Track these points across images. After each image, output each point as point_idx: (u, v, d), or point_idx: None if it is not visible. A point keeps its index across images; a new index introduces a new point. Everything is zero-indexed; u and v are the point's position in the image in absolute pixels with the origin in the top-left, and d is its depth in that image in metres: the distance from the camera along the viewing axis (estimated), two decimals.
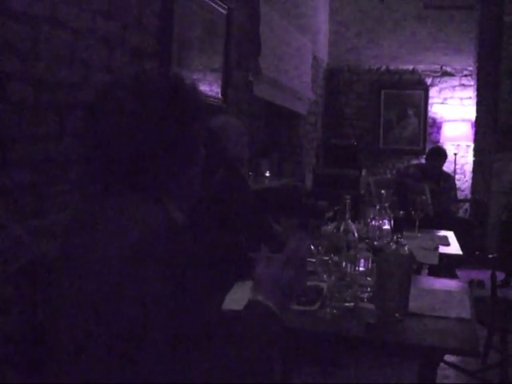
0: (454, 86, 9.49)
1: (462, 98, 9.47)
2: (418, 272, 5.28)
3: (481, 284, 7.05)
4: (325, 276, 2.28)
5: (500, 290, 4.72)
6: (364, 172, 8.29)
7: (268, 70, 6.02)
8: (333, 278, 2.26)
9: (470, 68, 9.37)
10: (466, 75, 9.45)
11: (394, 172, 9.33)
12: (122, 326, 1.29)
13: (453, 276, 6.99)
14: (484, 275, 5.41)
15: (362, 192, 7.93)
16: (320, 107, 9.24)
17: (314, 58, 8.43)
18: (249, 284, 1.60)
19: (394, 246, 2.17)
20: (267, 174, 6.61)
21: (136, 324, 1.28)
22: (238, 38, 5.48)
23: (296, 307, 2.32)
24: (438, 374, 4.30)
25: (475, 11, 9.11)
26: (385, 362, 4.36)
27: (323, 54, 9.40)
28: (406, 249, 2.19)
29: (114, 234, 1.38)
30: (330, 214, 5.75)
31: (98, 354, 1.33)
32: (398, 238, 2.19)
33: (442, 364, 4.17)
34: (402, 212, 3.72)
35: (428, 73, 9.56)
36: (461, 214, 8.92)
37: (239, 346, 1.41)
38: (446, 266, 6.68)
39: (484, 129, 9.02)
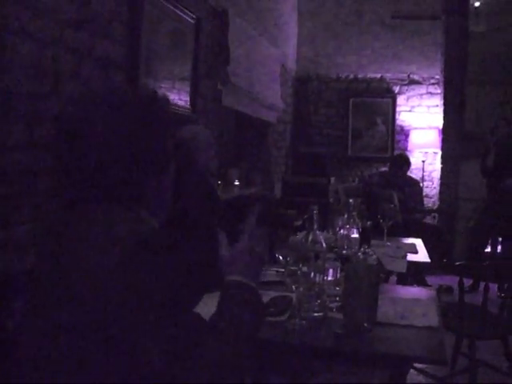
0: (422, 94, 9.58)
1: (429, 106, 9.56)
2: (387, 279, 5.32)
3: (449, 290, 7.12)
4: (293, 287, 2.29)
5: (468, 296, 4.77)
6: (333, 180, 8.32)
7: (237, 79, 6.02)
8: (301, 288, 2.26)
9: (437, 76, 9.47)
10: (433, 83, 9.55)
11: (357, 180, 9.41)
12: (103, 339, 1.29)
13: (422, 282, 7.05)
14: (452, 281, 5.46)
15: (331, 200, 7.97)
16: (289, 116, 9.26)
17: (283, 66, 8.45)
18: (217, 296, 1.62)
19: (361, 256, 2.18)
20: (236, 183, 6.61)
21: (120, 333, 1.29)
22: (207, 47, 5.48)
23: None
24: (407, 380, 4.35)
25: (441, 21, 9.22)
26: (355, 369, 4.38)
27: (292, 63, 9.43)
28: (374, 258, 2.20)
29: (92, 247, 1.38)
30: (299, 222, 5.77)
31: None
32: (365, 248, 2.20)
33: (411, 370, 4.21)
34: (369, 222, 3.74)
35: (396, 81, 9.64)
36: (429, 220, 8.99)
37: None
38: (416, 273, 6.74)
39: (451, 136, 9.14)
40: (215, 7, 5.61)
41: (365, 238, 2.24)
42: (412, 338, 2.26)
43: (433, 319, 2.43)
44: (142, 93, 1.62)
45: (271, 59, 7.55)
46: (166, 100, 1.65)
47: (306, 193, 7.66)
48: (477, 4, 9.48)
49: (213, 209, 3.39)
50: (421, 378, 4.56)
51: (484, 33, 9.83)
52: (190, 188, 3.25)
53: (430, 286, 7.07)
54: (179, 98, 4.93)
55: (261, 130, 7.78)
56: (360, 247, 2.23)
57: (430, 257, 4.53)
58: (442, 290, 7.16)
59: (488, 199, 7.65)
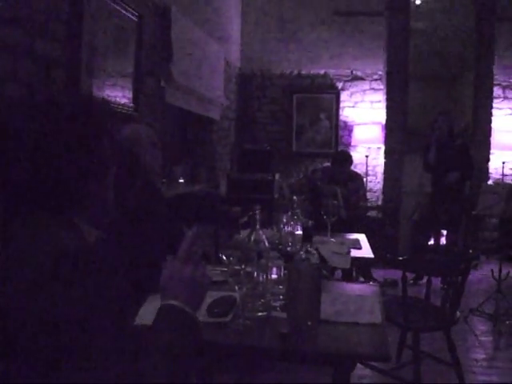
0: (365, 90, 9.68)
1: (372, 102, 9.66)
2: (332, 274, 5.36)
3: (394, 283, 7.21)
4: (236, 287, 2.28)
5: (412, 289, 4.86)
6: (277, 176, 8.35)
7: (180, 76, 5.99)
8: (245, 288, 2.26)
9: (380, 72, 9.57)
10: (375, 79, 9.65)
11: (301, 176, 9.46)
12: (34, 348, 1.26)
13: (368, 276, 7.13)
14: (397, 274, 5.53)
15: (276, 196, 7.99)
16: (233, 112, 9.25)
17: (227, 63, 8.44)
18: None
19: (303, 255, 2.19)
20: (181, 181, 6.59)
21: (49, 344, 1.26)
22: (150, 44, 5.43)
23: (208, 319, 2.31)
24: (355, 374, 4.41)
25: (384, 18, 9.33)
26: (301, 368, 4.41)
27: (235, 59, 9.42)
28: (316, 257, 2.21)
29: (25, 259, 1.35)
30: (244, 219, 5.78)
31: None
32: (307, 247, 2.20)
33: (358, 364, 4.25)
34: (310, 222, 3.77)
35: (339, 77, 9.71)
36: (373, 214, 9.08)
37: (156, 356, 1.41)
38: (361, 267, 6.82)
39: (394, 131, 9.26)
40: (158, 4, 5.56)
41: (306, 236, 2.24)
42: (356, 335, 2.27)
43: (376, 316, 2.45)
44: (78, 96, 1.59)
45: (215, 56, 7.53)
46: (104, 103, 1.62)
47: (251, 189, 7.67)
48: (418, 2, 9.61)
49: (157, 211, 3.37)
50: (367, 372, 4.61)
51: (425, 29, 9.98)
52: (133, 189, 3.22)
53: (375, 279, 7.17)
54: (123, 95, 4.89)
55: (205, 127, 7.76)
56: (302, 246, 2.23)
57: (374, 251, 4.57)
58: (386, 284, 7.26)
59: (431, 193, 7.76)
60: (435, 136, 7.55)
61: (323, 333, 2.25)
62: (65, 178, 1.46)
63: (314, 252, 2.20)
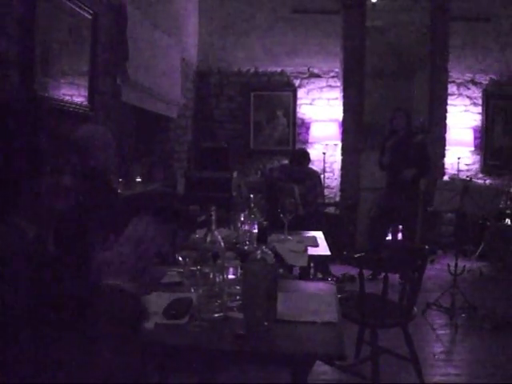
0: (322, 88, 9.73)
1: (329, 99, 9.72)
2: (291, 271, 5.37)
3: (352, 278, 7.26)
4: (192, 289, 2.27)
5: (370, 284, 4.89)
6: (235, 174, 8.34)
7: (136, 74, 5.95)
8: (201, 290, 2.25)
9: (337, 70, 9.64)
10: (332, 77, 9.71)
11: (259, 173, 9.48)
12: None
13: (326, 273, 7.17)
14: (356, 270, 5.56)
15: (234, 194, 7.99)
16: (190, 110, 9.22)
17: (184, 60, 8.40)
18: None
19: (259, 255, 2.19)
20: (138, 180, 6.55)
21: None
22: (106, 43, 5.38)
23: (165, 321, 2.29)
24: (315, 370, 4.43)
25: (340, 16, 9.38)
26: (258, 369, 4.41)
27: (193, 57, 9.38)
28: (272, 257, 2.21)
29: None
30: (202, 218, 5.76)
31: None
32: (262, 248, 2.20)
33: (318, 361, 4.27)
34: (265, 222, 3.77)
35: (296, 74, 9.75)
36: (331, 211, 9.12)
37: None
38: (320, 264, 6.84)
39: (351, 128, 9.33)
40: (113, 2, 5.52)
41: (261, 237, 2.24)
42: (312, 334, 2.27)
43: (332, 314, 2.46)
44: (14, 96, 1.58)
45: (171, 53, 7.49)
46: (44, 101, 1.62)
47: (209, 188, 7.66)
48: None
49: (111, 210, 3.34)
50: (327, 368, 4.64)
51: (381, 27, 10.05)
52: (88, 190, 3.19)
53: (334, 275, 7.21)
54: (79, 93, 4.84)
55: (162, 126, 7.72)
56: (257, 246, 2.23)
57: (332, 248, 4.59)
58: (345, 279, 7.31)
59: (387, 189, 7.82)
60: (392, 134, 7.61)
61: (280, 333, 2.25)
62: (2, 178, 1.45)
63: (270, 252, 2.20)
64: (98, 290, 1.55)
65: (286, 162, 8.87)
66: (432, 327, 5.87)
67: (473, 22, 9.78)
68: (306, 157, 7.94)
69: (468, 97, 10.01)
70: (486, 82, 10.01)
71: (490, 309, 6.14)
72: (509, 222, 8.72)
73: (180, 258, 2.45)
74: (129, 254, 1.63)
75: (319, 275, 7.19)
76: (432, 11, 9.51)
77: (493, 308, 6.17)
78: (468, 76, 9.97)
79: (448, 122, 9.63)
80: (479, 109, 10.03)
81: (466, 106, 10.00)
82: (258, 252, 2.19)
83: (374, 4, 9.68)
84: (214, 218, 2.42)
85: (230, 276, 2.58)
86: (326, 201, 9.45)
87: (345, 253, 6.80)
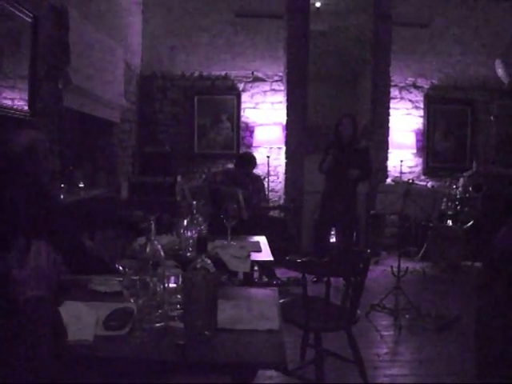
0: (266, 91, 9.77)
1: (273, 103, 9.77)
2: (235, 276, 5.37)
3: (298, 281, 7.26)
4: (132, 300, 2.26)
5: (314, 287, 4.91)
6: (179, 178, 8.31)
7: (78, 79, 5.89)
8: (141, 300, 2.23)
9: (280, 73, 9.70)
10: (276, 80, 9.77)
11: (204, 177, 9.49)
12: None
13: (271, 276, 7.18)
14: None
15: (179, 199, 7.95)
16: (134, 114, 9.15)
17: (127, 64, 8.34)
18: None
19: (199, 264, 2.18)
20: (81, 185, 6.47)
21: None
22: (47, 46, 5.31)
23: (104, 333, 2.26)
24: (260, 374, 4.43)
25: (284, 20, 9.43)
26: (201, 379, 4.39)
27: (136, 61, 9.32)
28: (211, 266, 2.20)
29: None
30: (146, 224, 5.71)
31: None
32: (202, 257, 2.19)
33: None
34: (204, 231, 3.77)
35: (240, 78, 9.77)
36: (276, 214, 9.16)
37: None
38: (264, 268, 6.86)
39: (294, 132, 9.38)
40: (55, 6, 5.45)
41: (200, 247, 2.23)
42: (253, 343, 2.26)
43: (274, 322, 2.45)
44: None
45: (114, 57, 7.43)
46: None
47: (152, 192, 7.62)
48: (318, 4, 9.75)
49: (50, 219, 3.28)
50: (273, 373, 4.65)
51: (325, 31, 10.14)
52: (25, 199, 3.13)
53: (279, 278, 7.23)
54: (20, 97, 4.78)
55: (105, 130, 7.64)
56: (196, 256, 2.22)
57: (277, 251, 4.60)
58: (290, 282, 7.32)
59: (329, 193, 7.86)
60: (337, 139, 7.66)
61: (221, 342, 2.24)
62: None
63: (209, 262, 2.19)
64: (18, 304, 1.55)
65: (230, 166, 8.88)
66: (376, 328, 5.94)
67: (414, 28, 9.98)
68: (252, 161, 7.96)
69: (410, 100, 10.18)
70: (427, 86, 10.20)
71: (432, 309, 6.23)
72: (450, 223, 8.88)
73: (120, 268, 2.43)
74: (44, 265, 1.63)
75: (265, 278, 7.21)
76: (375, 16, 9.63)
77: (436, 308, 6.27)
78: (410, 80, 10.15)
79: (390, 125, 9.77)
80: (421, 112, 10.23)
81: (407, 109, 10.17)
82: (198, 261, 2.18)
83: (317, 8, 9.78)
84: (153, 226, 2.41)
85: (171, 285, 2.55)
86: (271, 204, 9.50)
87: (287, 258, 6.82)
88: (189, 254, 3.70)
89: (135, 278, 2.29)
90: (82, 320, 2.25)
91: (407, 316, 6.21)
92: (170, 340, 2.22)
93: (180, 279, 2.52)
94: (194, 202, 4.08)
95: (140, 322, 2.27)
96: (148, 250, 2.32)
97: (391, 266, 6.73)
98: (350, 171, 7.42)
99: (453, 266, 8.64)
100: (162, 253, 2.34)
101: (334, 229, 8.38)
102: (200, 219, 4.01)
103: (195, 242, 3.79)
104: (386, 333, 5.85)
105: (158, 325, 2.31)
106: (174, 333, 2.28)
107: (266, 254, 4.46)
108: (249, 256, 4.20)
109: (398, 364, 5.08)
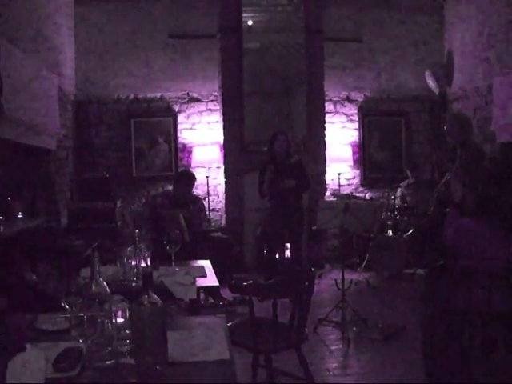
0: (202, 111, 9.82)
1: (209, 122, 9.82)
2: (181, 300, 5.35)
3: (244, 301, 7.19)
4: (80, 340, 2.23)
5: (263, 305, 4.89)
6: (119, 203, 8.24)
7: (11, 108, 5.80)
8: (89, 339, 2.21)
9: (216, 93, 9.75)
10: (212, 100, 9.83)
11: (144, 201, 9.45)
12: None
13: (217, 297, 7.15)
14: None
15: (119, 224, 7.88)
16: (70, 141, 9.02)
17: (61, 90, 8.24)
18: None
19: (145, 300, 2.16)
20: (20, 216, 6.35)
21: None
22: None
23: (55, 375, 2.19)
24: None
25: (217, 39, 9.48)
26: None
27: (70, 86, 9.22)
28: (160, 302, 2.19)
29: None
30: (88, 252, 5.66)
31: None
32: (148, 294, 2.18)
33: None
34: (150, 268, 3.74)
35: (175, 99, 9.79)
36: (218, 234, 9.15)
37: None
38: (210, 290, 6.83)
39: (232, 150, 9.41)
40: None
41: (146, 282, 2.21)
42: (206, 375, 2.26)
43: (223, 352, 2.45)
44: None
45: (47, 84, 7.33)
46: None
47: (92, 219, 7.53)
48: (250, 22, 9.82)
49: None
50: None
51: (259, 48, 10.20)
52: None
53: (225, 298, 7.19)
54: None
55: (41, 158, 7.52)
56: (143, 292, 2.19)
57: (221, 271, 4.60)
58: (237, 302, 7.25)
59: (271, 209, 7.88)
60: (271, 158, 7.67)
61: (173, 376, 2.23)
62: None
63: (156, 297, 2.18)
64: None
65: (169, 187, 8.86)
66: (325, 343, 5.97)
67: (346, 43, 10.16)
68: (191, 178, 7.98)
69: (344, 114, 10.34)
70: (361, 99, 10.39)
71: (379, 319, 6.30)
72: (391, 233, 9.01)
73: (67, 306, 2.40)
74: None
75: (210, 300, 7.17)
76: (306, 32, 9.73)
77: (382, 318, 6.34)
78: (344, 94, 10.32)
79: (327, 139, 9.86)
80: (356, 125, 10.41)
81: (343, 122, 10.33)
82: (145, 297, 2.17)
83: (250, 26, 9.83)
84: (96, 259, 2.38)
85: (119, 319, 2.51)
86: (213, 224, 9.52)
87: (233, 282, 6.80)
88: (134, 284, 3.68)
89: (82, 315, 2.26)
90: (31, 364, 2.19)
91: (354, 328, 6.27)
92: (122, 378, 2.19)
93: (127, 313, 2.50)
94: (137, 231, 4.06)
95: (90, 362, 2.23)
96: (93, 287, 2.30)
97: (335, 280, 6.79)
98: (285, 181, 7.46)
99: (395, 274, 8.77)
100: (108, 289, 2.33)
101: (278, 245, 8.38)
102: (143, 247, 3.99)
103: (139, 271, 3.79)
104: (334, 347, 5.89)
105: (108, 363, 2.28)
106: (125, 370, 2.25)
107: (211, 279, 4.46)
108: (194, 282, 4.20)
109: (349, 377, 5.13)
